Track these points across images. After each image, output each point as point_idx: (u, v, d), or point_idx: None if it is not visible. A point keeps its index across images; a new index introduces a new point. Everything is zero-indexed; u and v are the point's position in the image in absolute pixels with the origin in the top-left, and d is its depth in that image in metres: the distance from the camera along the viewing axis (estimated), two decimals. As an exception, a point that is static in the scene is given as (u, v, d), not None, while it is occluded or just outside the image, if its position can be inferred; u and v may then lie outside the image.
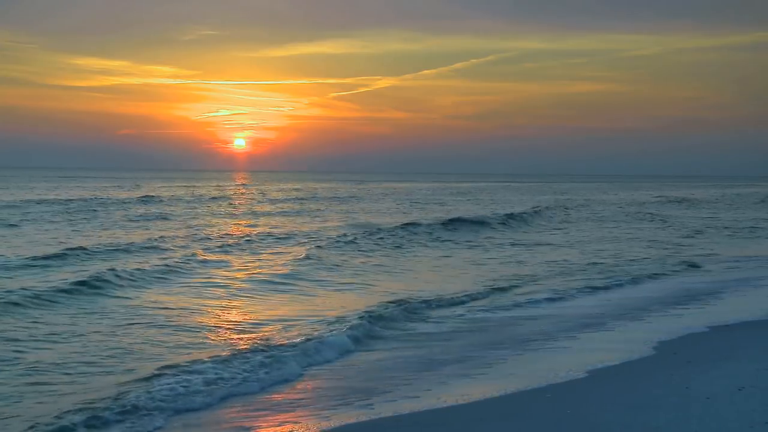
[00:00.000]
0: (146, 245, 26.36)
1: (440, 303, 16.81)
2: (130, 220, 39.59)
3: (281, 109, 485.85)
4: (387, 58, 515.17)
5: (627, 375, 10.22)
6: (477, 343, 12.89)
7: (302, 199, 69.94)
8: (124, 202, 55.21)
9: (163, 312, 14.91)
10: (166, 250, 25.63)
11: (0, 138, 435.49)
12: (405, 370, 10.98)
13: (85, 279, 17.50)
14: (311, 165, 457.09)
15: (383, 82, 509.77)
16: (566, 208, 57.87)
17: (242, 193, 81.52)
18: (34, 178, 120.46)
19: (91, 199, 58.88)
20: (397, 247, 28.92)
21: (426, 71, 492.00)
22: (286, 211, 51.20)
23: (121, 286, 17.60)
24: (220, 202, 61.60)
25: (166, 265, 20.88)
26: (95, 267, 20.00)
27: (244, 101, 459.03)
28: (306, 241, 29.89)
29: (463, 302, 17.13)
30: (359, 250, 27.10)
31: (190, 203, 59.03)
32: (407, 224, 36.84)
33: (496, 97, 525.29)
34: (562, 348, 12.26)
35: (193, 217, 43.94)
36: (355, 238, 30.30)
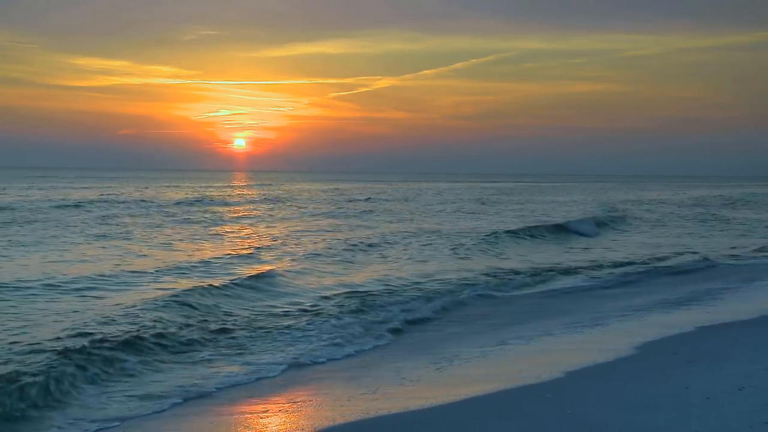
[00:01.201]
0: (286, 248, 27.70)
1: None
2: (231, 221, 41.10)
3: (281, 109, 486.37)
4: (387, 58, 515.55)
5: (626, 375, 10.22)
6: (482, 338, 12.96)
7: (351, 200, 70.46)
8: (193, 203, 57.49)
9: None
10: (310, 252, 26.68)
11: (0, 138, 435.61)
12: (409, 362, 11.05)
13: (255, 275, 19.63)
14: (311, 165, 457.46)
15: (383, 82, 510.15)
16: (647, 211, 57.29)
17: (287, 194, 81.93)
18: (52, 179, 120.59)
19: (152, 200, 60.58)
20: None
21: (426, 71, 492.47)
22: (363, 212, 51.95)
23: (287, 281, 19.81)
24: (277, 203, 62.76)
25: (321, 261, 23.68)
26: (261, 267, 21.90)
27: (244, 101, 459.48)
28: (436, 240, 31.22)
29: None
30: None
31: (254, 204, 60.28)
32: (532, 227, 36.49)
33: (496, 97, 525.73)
34: (561, 346, 12.29)
35: (284, 219, 44.55)
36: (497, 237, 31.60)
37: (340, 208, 56.30)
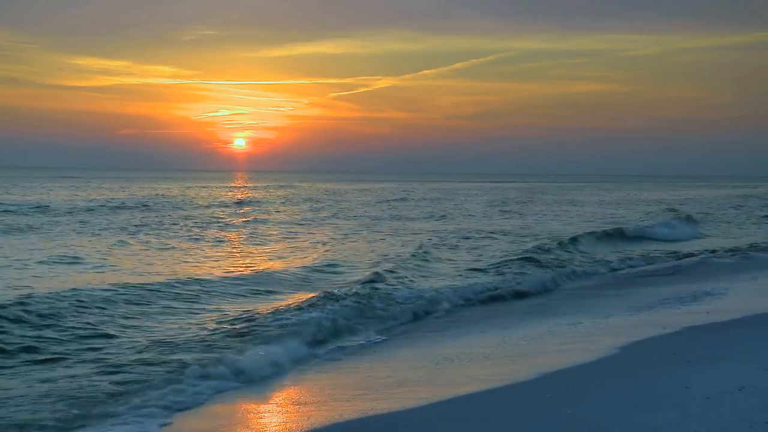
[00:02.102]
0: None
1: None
2: (298, 223, 41.71)
3: (281, 109, 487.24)
4: (387, 58, 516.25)
5: (626, 374, 10.21)
6: (484, 337, 12.96)
7: (389, 199, 70.74)
8: (250, 203, 59.78)
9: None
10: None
11: (0, 138, 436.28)
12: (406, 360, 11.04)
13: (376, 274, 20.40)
14: (311, 165, 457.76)
15: (383, 82, 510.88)
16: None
17: (319, 194, 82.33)
18: (57, 179, 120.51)
19: (193, 200, 62.96)
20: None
21: (426, 71, 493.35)
22: (420, 212, 52.63)
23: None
24: (316, 203, 63.42)
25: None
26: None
27: (244, 101, 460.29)
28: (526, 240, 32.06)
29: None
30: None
31: (298, 205, 60.51)
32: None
33: (496, 97, 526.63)
34: (562, 345, 12.29)
35: (347, 218, 45.15)
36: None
37: (387, 208, 56.71)
